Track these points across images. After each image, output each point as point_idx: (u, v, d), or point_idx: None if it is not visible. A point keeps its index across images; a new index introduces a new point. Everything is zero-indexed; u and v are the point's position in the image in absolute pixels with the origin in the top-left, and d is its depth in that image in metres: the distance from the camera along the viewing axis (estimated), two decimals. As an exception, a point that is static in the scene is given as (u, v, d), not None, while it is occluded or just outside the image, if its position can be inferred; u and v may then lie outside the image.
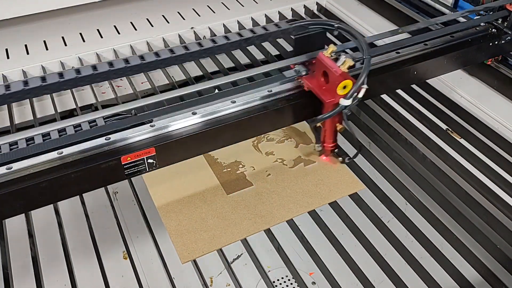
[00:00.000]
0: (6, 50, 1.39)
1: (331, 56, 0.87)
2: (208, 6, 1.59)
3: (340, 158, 1.00)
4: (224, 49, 0.90)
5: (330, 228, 0.95)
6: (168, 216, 0.95)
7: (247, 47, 1.39)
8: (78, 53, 1.36)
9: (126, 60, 0.83)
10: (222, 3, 1.60)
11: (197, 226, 0.93)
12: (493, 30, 1.13)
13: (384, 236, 0.93)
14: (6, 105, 1.23)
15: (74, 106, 1.23)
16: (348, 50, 0.96)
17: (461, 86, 1.21)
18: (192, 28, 1.47)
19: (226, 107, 0.87)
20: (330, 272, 0.88)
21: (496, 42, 1.11)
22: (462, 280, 0.86)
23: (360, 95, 0.85)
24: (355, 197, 0.99)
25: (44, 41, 1.42)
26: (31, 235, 0.98)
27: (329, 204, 0.98)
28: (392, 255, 0.91)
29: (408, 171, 1.03)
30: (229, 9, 1.57)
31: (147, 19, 1.52)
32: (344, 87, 0.84)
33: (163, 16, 1.54)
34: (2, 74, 1.29)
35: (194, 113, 0.85)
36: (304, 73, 0.92)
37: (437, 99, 1.18)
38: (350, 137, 1.12)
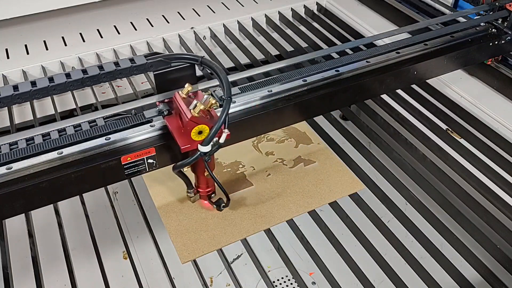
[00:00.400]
0: (6, 50, 1.39)
1: (188, 96, 0.79)
2: (208, 6, 1.59)
3: (215, 206, 0.93)
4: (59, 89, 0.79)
5: (330, 228, 0.94)
6: (168, 216, 0.95)
7: (245, 49, 1.39)
8: (78, 53, 1.36)
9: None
10: (222, 3, 1.60)
11: (197, 226, 0.93)
12: (493, 30, 1.13)
13: (384, 236, 0.93)
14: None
15: (74, 106, 1.23)
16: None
17: (461, 86, 1.21)
18: (192, 28, 1.47)
19: (225, 107, 0.86)
20: (330, 272, 0.88)
21: (496, 42, 1.11)
22: (462, 280, 0.86)
23: (222, 140, 0.77)
24: (355, 197, 0.99)
25: (44, 41, 1.42)
26: (31, 235, 0.98)
27: (329, 204, 0.98)
28: (392, 255, 0.91)
29: (408, 171, 1.03)
30: (229, 9, 1.57)
31: (147, 19, 1.52)
32: (200, 132, 0.76)
33: (163, 16, 1.54)
34: (2, 74, 1.29)
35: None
36: (166, 112, 0.83)
37: (437, 99, 1.18)
38: (350, 137, 1.12)
